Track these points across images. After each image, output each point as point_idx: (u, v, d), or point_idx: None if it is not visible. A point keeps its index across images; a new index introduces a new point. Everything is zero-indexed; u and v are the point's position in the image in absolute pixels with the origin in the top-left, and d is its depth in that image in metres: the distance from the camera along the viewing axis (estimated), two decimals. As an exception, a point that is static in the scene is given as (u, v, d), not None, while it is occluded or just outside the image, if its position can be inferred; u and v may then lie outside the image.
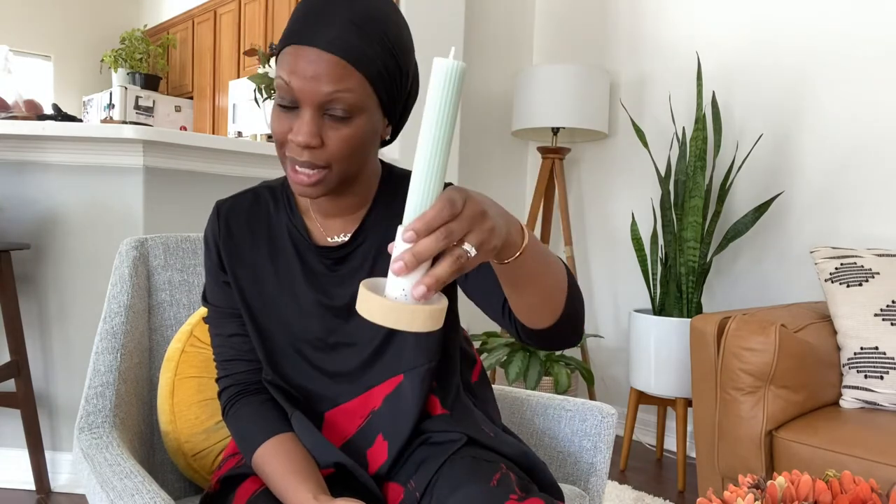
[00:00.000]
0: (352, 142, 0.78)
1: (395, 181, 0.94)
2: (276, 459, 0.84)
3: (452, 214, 0.55)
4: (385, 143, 0.90)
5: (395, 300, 0.56)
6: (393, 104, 0.82)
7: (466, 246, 0.57)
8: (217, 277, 0.94)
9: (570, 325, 0.78)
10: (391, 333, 0.90)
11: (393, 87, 0.80)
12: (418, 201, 0.56)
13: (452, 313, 0.97)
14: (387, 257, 0.89)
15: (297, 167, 0.79)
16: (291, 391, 0.92)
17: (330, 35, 0.75)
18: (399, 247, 0.55)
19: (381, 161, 0.96)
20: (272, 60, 2.34)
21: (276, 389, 0.92)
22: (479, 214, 0.57)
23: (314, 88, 0.75)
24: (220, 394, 0.95)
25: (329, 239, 0.91)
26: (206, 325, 1.12)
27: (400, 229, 0.55)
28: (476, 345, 3.11)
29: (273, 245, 0.92)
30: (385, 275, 0.79)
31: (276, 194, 0.95)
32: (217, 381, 0.96)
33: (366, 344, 0.90)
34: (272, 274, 0.91)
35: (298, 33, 0.76)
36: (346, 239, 0.90)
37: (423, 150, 0.56)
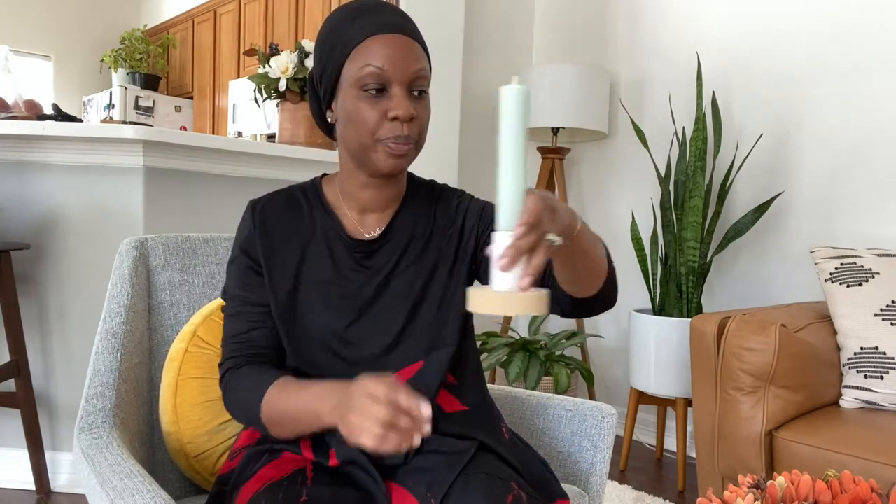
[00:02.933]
0: (428, 116, 0.92)
1: (418, 187, 1.02)
2: (282, 395, 0.86)
3: (547, 207, 0.64)
4: None
5: (509, 292, 0.66)
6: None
7: (551, 237, 0.66)
8: (245, 270, 0.96)
9: (610, 288, 0.88)
10: (407, 325, 0.94)
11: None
12: (510, 204, 0.66)
13: (466, 311, 1.00)
14: (409, 256, 0.97)
15: (392, 144, 0.88)
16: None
17: (404, 25, 0.89)
18: (499, 247, 0.65)
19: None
20: (272, 60, 2.34)
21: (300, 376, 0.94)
22: (552, 209, 0.67)
23: (407, 68, 0.87)
24: (221, 374, 0.96)
25: (366, 234, 0.97)
26: (209, 326, 1.12)
27: (496, 234, 0.66)
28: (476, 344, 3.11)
29: (306, 240, 0.97)
30: (407, 270, 0.96)
31: (307, 194, 1.00)
32: (220, 364, 0.97)
33: (387, 335, 0.94)
34: (304, 267, 0.96)
35: (375, 25, 0.87)
36: (379, 233, 0.97)
37: (505, 161, 0.66)
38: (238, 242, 0.98)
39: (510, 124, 0.66)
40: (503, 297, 0.64)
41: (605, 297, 0.88)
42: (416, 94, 0.89)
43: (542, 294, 0.66)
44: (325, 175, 1.03)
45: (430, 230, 0.99)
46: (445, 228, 0.99)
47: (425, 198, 1.01)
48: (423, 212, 1.00)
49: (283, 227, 0.97)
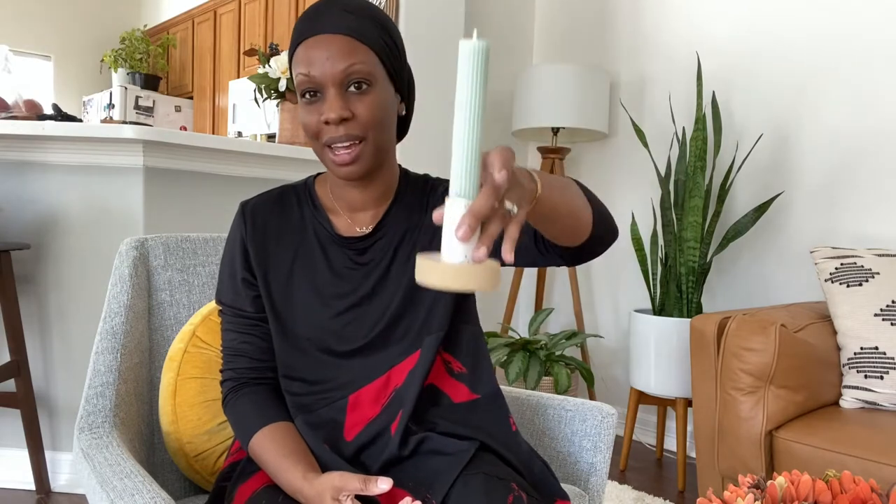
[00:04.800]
0: (376, 109, 0.87)
1: (411, 182, 1.01)
2: (272, 445, 0.89)
3: (511, 173, 0.60)
4: (402, 132, 0.98)
5: (463, 264, 0.61)
6: (399, 76, 0.92)
7: (508, 205, 0.62)
8: (236, 276, 0.97)
9: (602, 227, 0.84)
10: (401, 316, 0.94)
11: (393, 59, 0.90)
12: (467, 168, 0.60)
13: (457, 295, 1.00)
14: (404, 249, 0.96)
15: (335, 147, 0.87)
16: (309, 382, 0.94)
17: (332, 22, 0.85)
18: (453, 214, 0.60)
19: (399, 165, 1.03)
20: (272, 60, 2.34)
21: (295, 381, 0.95)
22: (514, 175, 0.63)
23: (332, 67, 0.84)
24: (221, 383, 0.99)
25: (358, 230, 0.97)
26: (209, 326, 1.12)
27: (450, 200, 0.60)
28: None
29: (297, 240, 0.97)
30: (405, 262, 0.95)
31: (299, 193, 1.00)
32: (221, 371, 0.99)
33: (382, 328, 0.94)
34: (297, 268, 0.96)
35: (303, 31, 0.87)
36: (371, 229, 0.96)
37: (461, 121, 0.60)
38: (229, 247, 0.98)
39: (468, 82, 0.60)
40: (460, 269, 0.59)
41: (599, 238, 0.85)
42: (354, 90, 0.86)
43: (496, 267, 0.61)
44: (318, 175, 1.03)
45: (424, 220, 0.98)
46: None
47: (419, 191, 1.00)
48: (416, 204, 0.99)
49: (274, 226, 0.97)
